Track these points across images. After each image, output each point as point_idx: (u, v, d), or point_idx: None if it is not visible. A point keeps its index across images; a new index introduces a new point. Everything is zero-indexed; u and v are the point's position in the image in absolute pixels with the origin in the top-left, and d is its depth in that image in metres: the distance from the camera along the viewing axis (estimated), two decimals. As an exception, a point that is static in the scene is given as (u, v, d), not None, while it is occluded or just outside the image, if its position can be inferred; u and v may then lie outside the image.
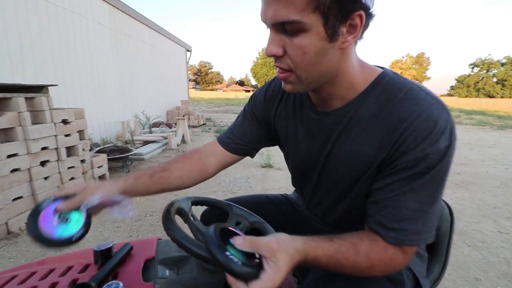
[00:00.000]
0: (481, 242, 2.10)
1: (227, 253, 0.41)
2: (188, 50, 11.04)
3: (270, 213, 0.81)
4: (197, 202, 0.72)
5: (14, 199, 2.14)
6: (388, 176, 0.51)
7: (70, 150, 2.76)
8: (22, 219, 2.19)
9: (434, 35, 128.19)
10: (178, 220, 0.57)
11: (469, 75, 36.33)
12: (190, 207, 0.67)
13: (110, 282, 0.49)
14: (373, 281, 0.54)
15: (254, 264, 0.41)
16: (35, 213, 0.50)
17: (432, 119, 0.47)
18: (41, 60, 3.92)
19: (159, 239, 0.70)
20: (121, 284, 0.49)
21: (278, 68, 0.51)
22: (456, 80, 37.93)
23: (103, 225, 2.26)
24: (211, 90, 58.01)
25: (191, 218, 0.64)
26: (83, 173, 2.90)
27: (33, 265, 0.59)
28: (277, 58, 0.49)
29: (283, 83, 0.54)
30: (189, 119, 8.19)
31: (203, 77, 61.13)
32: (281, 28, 0.45)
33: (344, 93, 0.55)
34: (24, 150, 2.23)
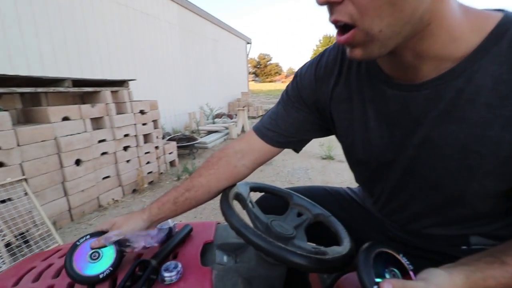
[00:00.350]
0: None
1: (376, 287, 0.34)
2: (248, 43, 11.22)
3: (331, 207, 0.68)
4: (256, 188, 0.68)
5: (104, 178, 2.51)
6: None
7: (146, 137, 3.09)
8: (110, 195, 2.55)
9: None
10: (236, 206, 0.54)
11: None
12: (248, 193, 0.63)
13: (169, 262, 0.49)
14: None
15: None
16: (72, 249, 0.51)
17: None
18: (124, 58, 4.48)
19: (218, 223, 0.69)
20: (180, 265, 0.48)
21: (337, 31, 0.37)
22: None
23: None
24: (270, 82, 58.34)
25: (250, 204, 0.60)
26: (157, 158, 3.23)
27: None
28: (333, 8, 0.35)
29: (348, 51, 0.39)
30: (248, 110, 8.38)
31: (262, 69, 61.83)
32: None
33: (442, 51, 0.38)
34: (111, 136, 2.58)
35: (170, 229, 0.62)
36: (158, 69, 5.40)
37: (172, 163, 3.67)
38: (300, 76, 0.59)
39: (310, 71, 0.57)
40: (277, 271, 0.54)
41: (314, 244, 0.64)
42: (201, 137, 4.87)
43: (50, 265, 0.52)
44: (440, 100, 0.41)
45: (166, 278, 0.46)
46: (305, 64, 0.60)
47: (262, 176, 3.22)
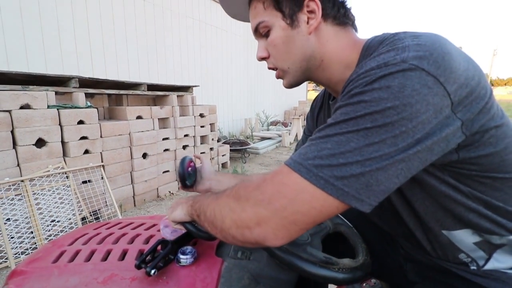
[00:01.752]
0: None
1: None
2: (310, 52, 11.18)
3: (353, 221, 0.67)
4: None
5: (164, 172, 2.81)
6: None
7: (203, 139, 3.36)
8: (167, 188, 2.84)
9: None
10: None
11: None
12: None
13: (186, 247, 0.54)
14: None
15: None
16: (185, 159, 0.73)
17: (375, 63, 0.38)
18: (192, 66, 4.97)
19: None
20: (195, 251, 0.53)
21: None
22: None
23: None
24: (331, 92, 56.44)
25: None
26: (211, 159, 3.47)
27: (146, 218, 0.74)
28: (266, 61, 0.56)
29: (282, 82, 0.58)
30: (304, 119, 8.29)
31: (324, 79, 60.35)
32: (259, 33, 0.54)
33: (342, 76, 0.52)
34: (173, 135, 2.89)
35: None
36: (222, 77, 5.81)
37: (224, 165, 3.88)
38: (308, 112, 0.79)
39: (311, 105, 0.77)
40: (287, 275, 0.54)
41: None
42: (254, 143, 5.03)
43: (111, 234, 0.64)
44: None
45: (181, 260, 0.52)
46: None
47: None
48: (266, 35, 0.53)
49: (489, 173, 0.41)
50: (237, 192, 0.42)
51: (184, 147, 3.06)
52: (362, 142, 0.34)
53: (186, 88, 3.18)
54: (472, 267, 0.48)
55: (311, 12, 0.49)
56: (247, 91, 6.87)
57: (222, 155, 3.80)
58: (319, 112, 0.71)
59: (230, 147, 4.05)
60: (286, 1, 0.49)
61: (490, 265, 0.46)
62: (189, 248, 0.54)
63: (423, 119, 0.34)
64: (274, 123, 7.21)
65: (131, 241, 0.60)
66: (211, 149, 3.51)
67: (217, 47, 5.58)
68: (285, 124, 7.11)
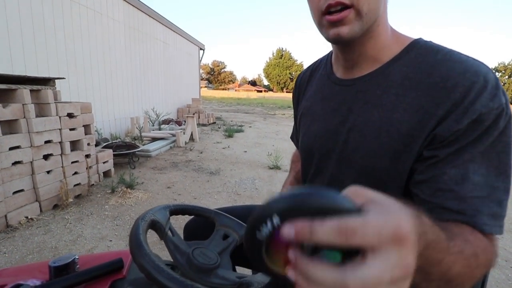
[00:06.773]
0: (505, 261, 1.91)
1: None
2: (201, 49, 11.06)
3: None
4: (176, 211, 0.60)
5: (15, 192, 2.11)
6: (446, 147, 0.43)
7: (74, 144, 2.73)
8: (22, 212, 2.15)
9: None
10: (154, 236, 0.47)
11: None
12: (168, 218, 0.56)
13: None
14: None
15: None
16: None
17: (482, 74, 0.42)
18: (55, 54, 3.94)
19: None
20: None
21: (332, 14, 0.46)
22: None
23: (102, 223, 2.20)
24: (223, 89, 58.41)
25: (169, 233, 0.53)
26: (87, 168, 2.87)
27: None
28: None
29: (336, 30, 0.47)
30: (199, 117, 8.17)
31: (216, 76, 61.64)
32: None
33: (376, 54, 0.52)
34: (27, 143, 2.21)
35: (68, 264, 0.52)
36: (98, 69, 4.91)
37: (106, 174, 3.31)
38: (295, 81, 0.78)
39: (299, 76, 0.76)
40: None
41: (239, 272, 0.60)
42: (144, 145, 4.54)
43: None
44: (366, 91, 0.53)
45: None
46: (299, 73, 0.79)
47: (208, 187, 3.12)
48: None
49: None
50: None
51: (46, 156, 2.39)
52: None
53: (44, 81, 2.48)
54: None
55: None
56: (132, 86, 6.11)
57: (104, 162, 3.23)
58: (306, 88, 0.71)
59: (113, 151, 3.49)
60: None
61: None
62: None
63: None
64: (167, 122, 6.75)
65: None
66: (87, 156, 2.91)
67: (90, 32, 4.66)
68: (178, 123, 6.78)
